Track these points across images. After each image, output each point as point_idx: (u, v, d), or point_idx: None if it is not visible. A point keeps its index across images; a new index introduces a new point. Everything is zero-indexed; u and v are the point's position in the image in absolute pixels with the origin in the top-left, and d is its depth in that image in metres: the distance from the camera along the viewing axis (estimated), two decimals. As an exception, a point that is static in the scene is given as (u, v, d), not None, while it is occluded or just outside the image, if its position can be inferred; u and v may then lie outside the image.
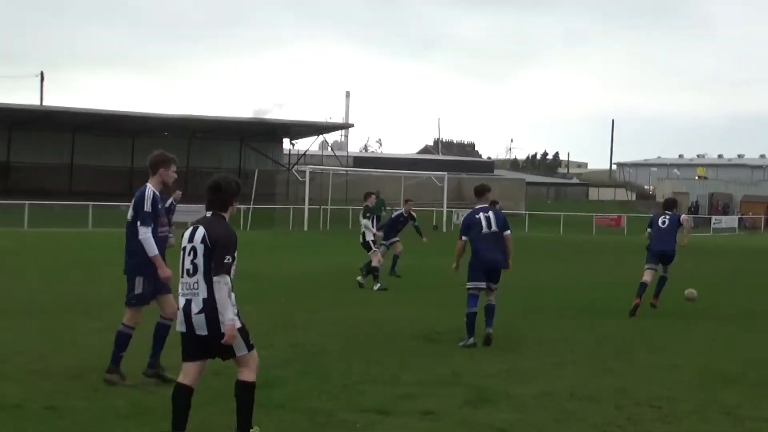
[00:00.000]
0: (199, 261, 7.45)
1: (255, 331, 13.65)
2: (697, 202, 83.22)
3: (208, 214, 7.73)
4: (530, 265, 30.96)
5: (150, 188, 10.11)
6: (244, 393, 7.56)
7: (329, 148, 78.61)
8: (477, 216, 13.62)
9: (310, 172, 58.24)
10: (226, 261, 7.39)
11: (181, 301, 7.53)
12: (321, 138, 75.34)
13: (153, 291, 10.04)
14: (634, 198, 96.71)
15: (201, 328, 7.40)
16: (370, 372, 10.93)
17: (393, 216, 27.73)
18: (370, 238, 22.32)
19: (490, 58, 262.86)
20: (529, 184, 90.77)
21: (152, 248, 9.85)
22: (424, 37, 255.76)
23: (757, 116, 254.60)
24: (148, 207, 9.94)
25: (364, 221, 22.51)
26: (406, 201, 28.20)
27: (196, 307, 7.42)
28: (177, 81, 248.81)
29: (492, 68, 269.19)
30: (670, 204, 18.99)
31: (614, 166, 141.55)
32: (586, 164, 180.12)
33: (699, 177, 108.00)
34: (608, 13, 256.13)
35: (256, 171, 62.50)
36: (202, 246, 7.46)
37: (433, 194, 65.98)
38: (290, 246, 38.75)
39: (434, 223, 58.65)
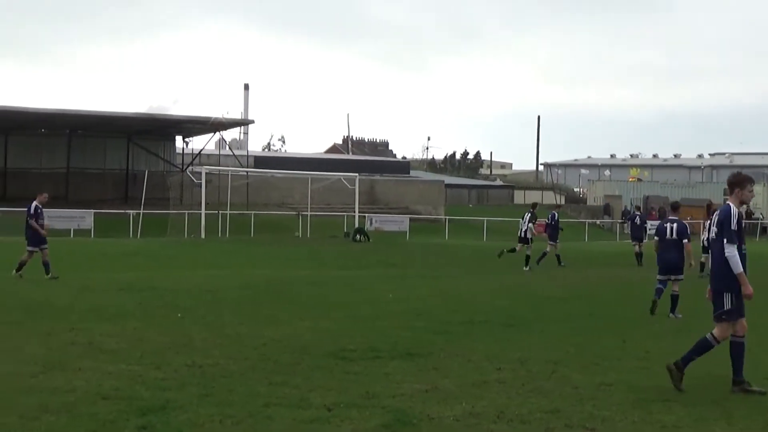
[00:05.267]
0: None
1: (146, 349, 13.68)
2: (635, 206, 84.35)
3: None
4: (451, 275, 31.18)
5: (733, 207, 11.72)
6: None
7: (227, 147, 78.15)
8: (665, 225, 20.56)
9: (207, 173, 57.78)
10: None
11: None
12: (218, 136, 74.81)
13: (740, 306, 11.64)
14: (563, 201, 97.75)
15: None
16: (276, 394, 10.90)
17: None
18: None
19: (411, 44, 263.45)
20: (448, 186, 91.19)
21: (738, 266, 11.44)
22: (335, 20, 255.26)
23: (695, 113, 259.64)
24: (734, 225, 11.57)
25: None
26: None
27: None
28: (55, 70, 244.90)
29: (412, 56, 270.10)
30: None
31: (541, 167, 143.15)
32: (510, 165, 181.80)
33: (632, 178, 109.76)
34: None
35: (146, 172, 61.95)
36: None
37: (343, 198, 66.02)
38: (185, 255, 38.44)
39: (345, 230, 58.67)
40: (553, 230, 37.61)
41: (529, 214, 36.65)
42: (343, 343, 14.98)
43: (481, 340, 15.67)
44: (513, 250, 37.06)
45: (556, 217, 38.70)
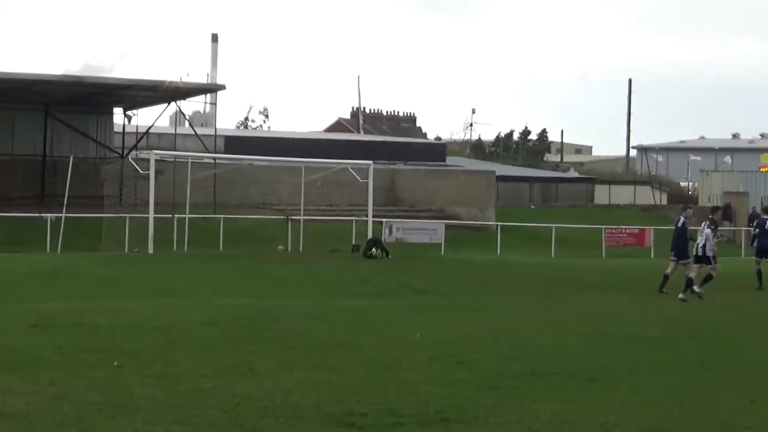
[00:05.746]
0: None
1: (68, 412, 13.66)
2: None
3: None
4: (505, 306, 31.16)
5: None
6: None
7: (186, 124, 78.21)
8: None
9: (157, 160, 57.57)
10: None
11: None
12: (173, 107, 74.78)
13: None
14: (664, 201, 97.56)
15: None
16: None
17: None
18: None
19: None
20: (501, 179, 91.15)
21: None
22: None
23: None
24: None
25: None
26: None
27: None
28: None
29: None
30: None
31: (633, 152, 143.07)
32: (590, 148, 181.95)
33: (765, 168, 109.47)
34: None
35: (71, 159, 61.85)
36: None
37: (352, 195, 65.93)
38: (126, 277, 38.48)
39: (354, 242, 58.61)
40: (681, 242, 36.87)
41: (709, 223, 35.90)
42: (349, 403, 14.98)
43: (547, 400, 15.64)
44: (709, 278, 35.42)
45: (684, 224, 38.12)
